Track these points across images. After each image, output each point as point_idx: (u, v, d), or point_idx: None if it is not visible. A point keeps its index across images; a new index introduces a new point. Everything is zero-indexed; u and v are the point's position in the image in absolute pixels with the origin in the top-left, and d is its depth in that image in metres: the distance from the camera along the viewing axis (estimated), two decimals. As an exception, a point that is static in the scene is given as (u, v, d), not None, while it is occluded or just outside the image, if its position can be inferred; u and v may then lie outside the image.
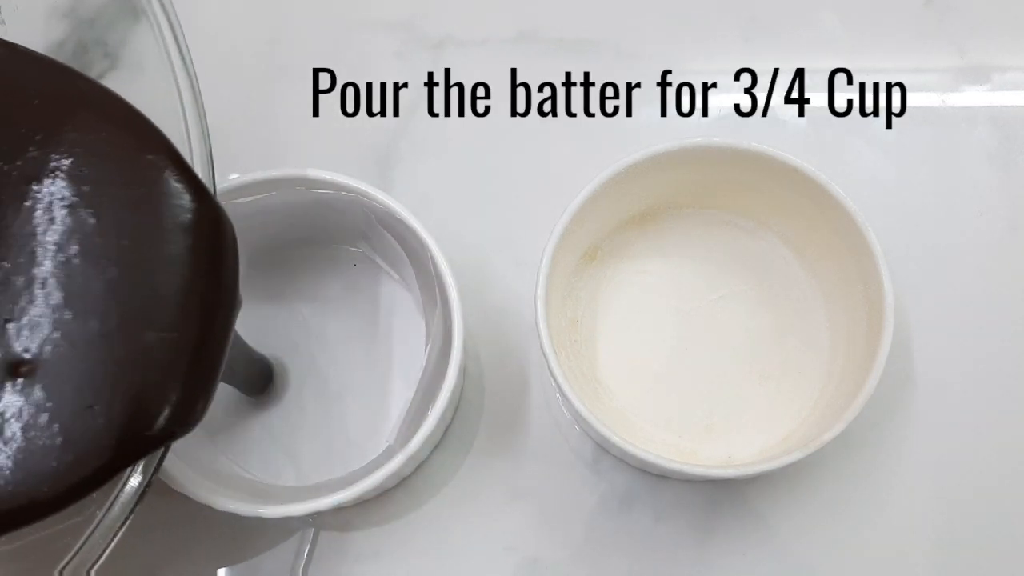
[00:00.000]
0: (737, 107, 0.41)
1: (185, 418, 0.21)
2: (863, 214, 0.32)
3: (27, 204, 0.20)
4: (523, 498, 0.35)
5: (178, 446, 0.33)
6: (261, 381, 0.33)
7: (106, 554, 0.23)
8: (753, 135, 0.34)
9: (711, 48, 0.42)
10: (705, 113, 0.41)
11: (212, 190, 0.23)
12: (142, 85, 0.43)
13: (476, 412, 0.37)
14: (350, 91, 0.42)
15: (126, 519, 0.23)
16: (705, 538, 0.35)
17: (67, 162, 0.21)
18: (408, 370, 0.34)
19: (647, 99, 0.41)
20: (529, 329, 0.36)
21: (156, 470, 0.23)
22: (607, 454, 0.36)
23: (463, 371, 0.34)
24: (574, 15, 0.43)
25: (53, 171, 0.21)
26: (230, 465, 0.34)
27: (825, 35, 0.42)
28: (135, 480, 0.23)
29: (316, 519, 0.35)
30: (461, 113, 0.41)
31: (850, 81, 0.41)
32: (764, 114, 0.41)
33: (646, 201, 0.36)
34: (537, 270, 0.32)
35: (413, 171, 0.40)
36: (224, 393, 0.34)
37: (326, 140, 0.41)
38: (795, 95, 0.41)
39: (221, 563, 0.35)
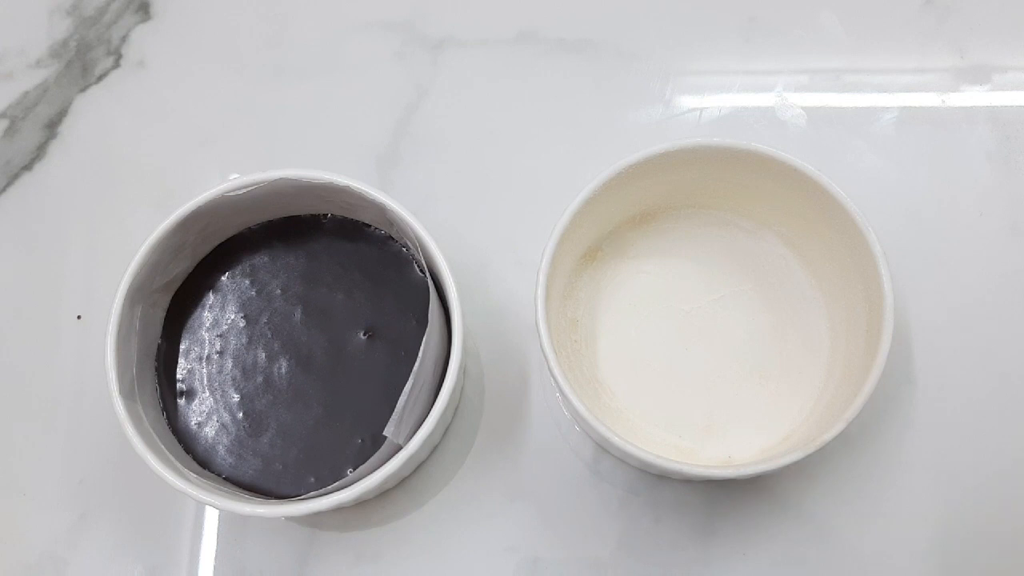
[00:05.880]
0: (737, 107, 0.41)
1: None
2: (863, 214, 0.32)
3: None
4: (523, 498, 0.35)
5: (176, 449, 0.33)
6: None
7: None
8: (753, 135, 0.34)
9: (711, 48, 0.42)
10: (705, 113, 0.41)
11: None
12: (145, 83, 0.43)
13: (476, 412, 0.37)
14: (350, 91, 0.42)
15: None
16: (705, 538, 0.35)
17: None
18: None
19: (647, 99, 0.41)
20: (529, 329, 0.36)
21: None
22: (607, 454, 0.36)
23: (463, 371, 0.34)
24: (574, 15, 0.43)
25: None
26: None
27: (825, 35, 0.42)
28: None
29: (316, 519, 0.35)
30: (461, 113, 0.41)
31: (850, 81, 0.41)
32: (764, 114, 0.41)
33: (646, 201, 0.36)
34: (537, 270, 0.32)
35: (413, 171, 0.40)
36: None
37: (326, 140, 0.41)
38: (795, 95, 0.41)
39: (222, 563, 0.35)
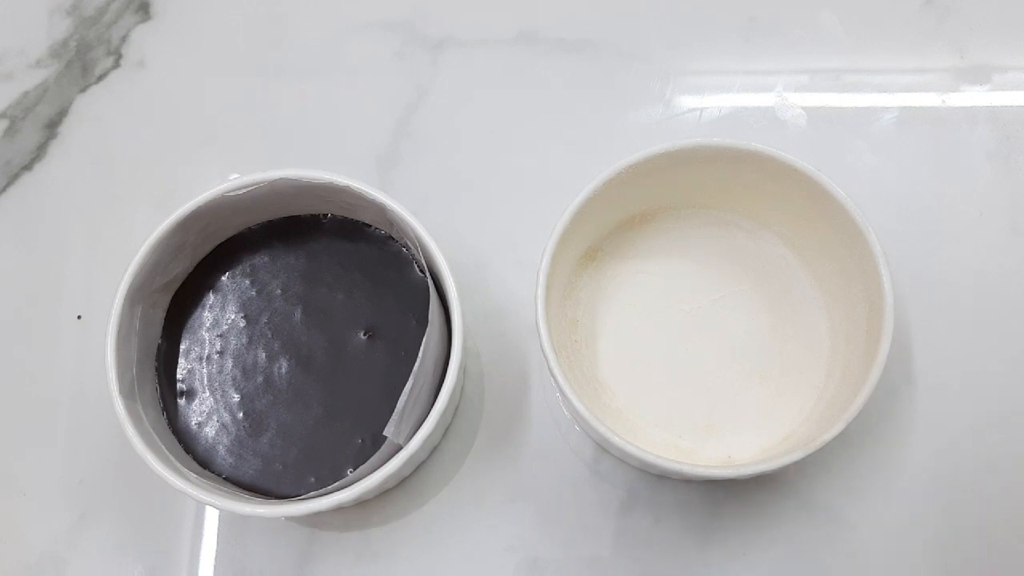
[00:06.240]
0: (737, 107, 0.41)
1: None
2: (863, 214, 0.32)
3: None
4: (523, 498, 0.35)
5: (176, 449, 0.33)
6: None
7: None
8: (753, 135, 0.34)
9: (711, 48, 0.42)
10: (705, 113, 0.41)
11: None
12: (145, 83, 0.43)
13: (476, 412, 0.37)
14: (350, 91, 0.42)
15: None
16: (705, 538, 0.35)
17: None
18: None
19: (647, 99, 0.41)
20: (529, 329, 0.36)
21: None
22: (607, 454, 0.36)
23: (463, 371, 0.34)
24: (574, 15, 0.43)
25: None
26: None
27: (825, 35, 0.42)
28: None
29: (316, 519, 0.35)
30: (461, 113, 0.41)
31: (850, 81, 0.41)
32: (764, 114, 0.41)
33: (646, 201, 0.36)
34: (537, 270, 0.32)
35: (413, 171, 0.40)
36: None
37: (326, 140, 0.41)
38: (795, 95, 0.41)
39: (222, 563, 0.35)
